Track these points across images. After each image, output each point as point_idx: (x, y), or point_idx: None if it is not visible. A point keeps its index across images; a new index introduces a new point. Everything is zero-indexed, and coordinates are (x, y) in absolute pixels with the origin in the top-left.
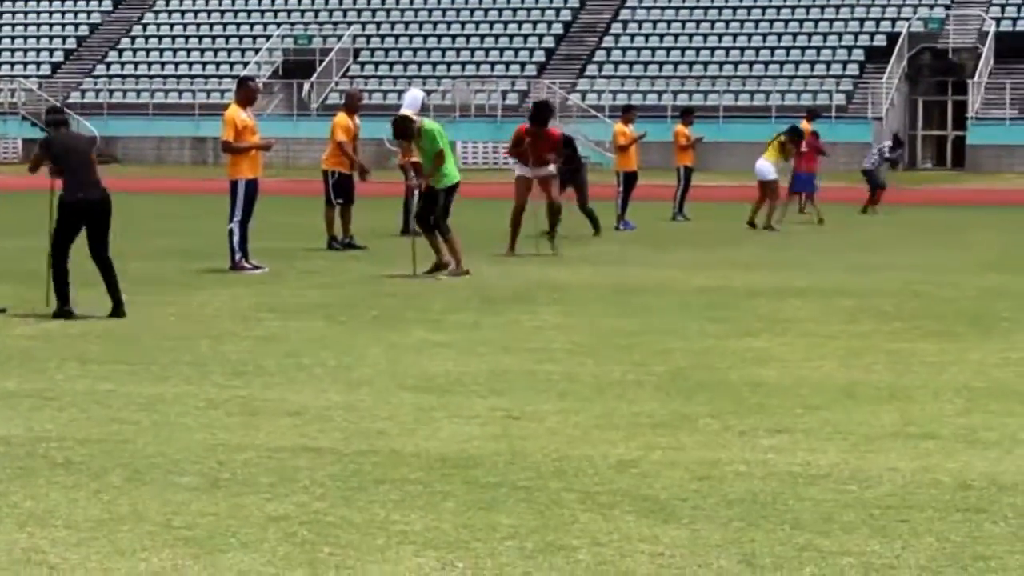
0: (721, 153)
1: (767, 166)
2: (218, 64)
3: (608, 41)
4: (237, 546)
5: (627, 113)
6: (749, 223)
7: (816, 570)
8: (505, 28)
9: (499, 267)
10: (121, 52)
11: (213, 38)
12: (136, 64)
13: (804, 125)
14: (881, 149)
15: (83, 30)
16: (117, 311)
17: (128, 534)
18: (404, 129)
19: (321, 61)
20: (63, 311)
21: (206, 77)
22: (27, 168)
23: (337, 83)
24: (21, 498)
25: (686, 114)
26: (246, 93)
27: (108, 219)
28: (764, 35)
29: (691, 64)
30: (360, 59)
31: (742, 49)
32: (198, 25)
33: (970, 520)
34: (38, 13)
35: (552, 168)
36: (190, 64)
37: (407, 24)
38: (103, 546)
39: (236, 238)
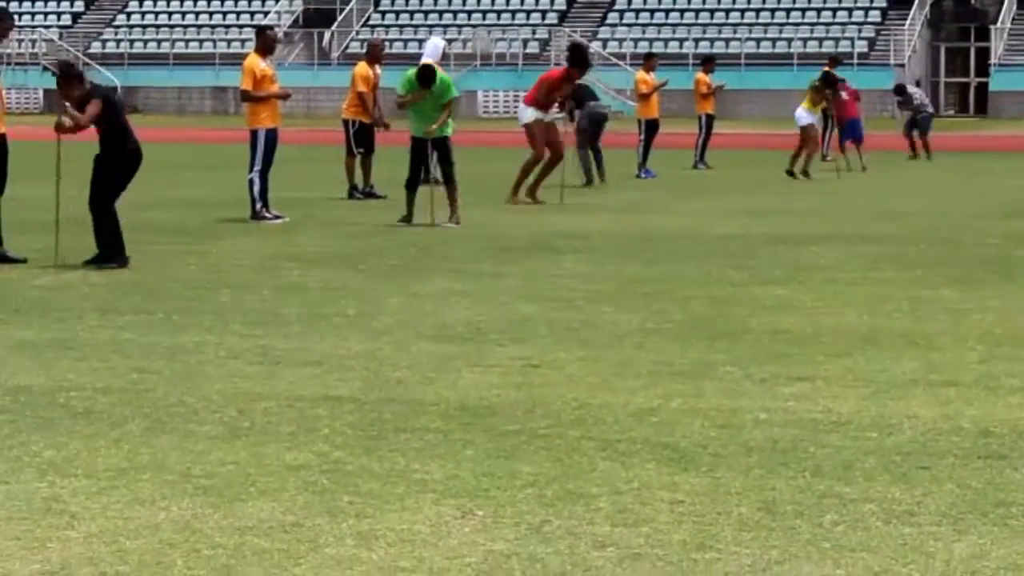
0: (742, 101)
1: (801, 112)
2: (238, 13)
3: None
4: (257, 495)
5: (648, 61)
6: (788, 171)
7: (836, 517)
8: None
9: (519, 215)
10: (141, 2)
11: None
12: (156, 14)
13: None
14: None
15: None
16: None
17: (148, 483)
18: (430, 77)
19: (342, 10)
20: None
21: (226, 27)
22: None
23: (358, 32)
24: (42, 447)
25: (707, 62)
26: (265, 41)
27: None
28: None
29: (712, 11)
30: (380, 8)
31: None
32: None
33: (991, 467)
34: None
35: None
36: (210, 13)
37: None
38: (123, 495)
39: (257, 187)
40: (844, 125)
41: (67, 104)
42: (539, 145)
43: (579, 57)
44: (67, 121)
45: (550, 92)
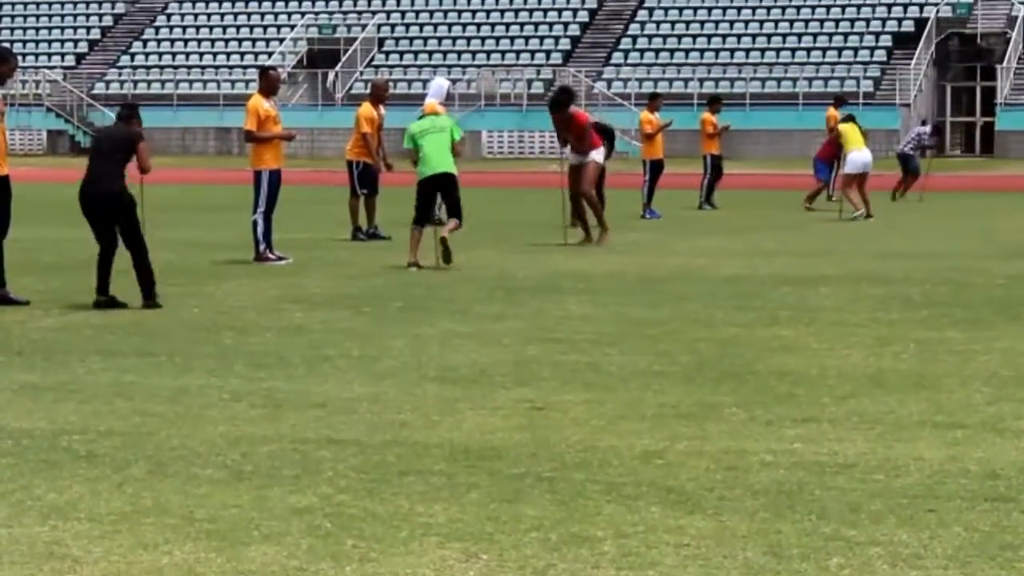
0: (747, 141)
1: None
2: (242, 54)
3: (634, 28)
4: (260, 539)
5: (653, 101)
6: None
7: (843, 560)
8: (531, 16)
9: (523, 256)
10: (145, 43)
11: (237, 28)
12: (160, 55)
13: (831, 112)
14: (921, 135)
15: (107, 20)
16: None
17: (151, 527)
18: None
19: (346, 51)
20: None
21: (230, 67)
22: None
23: (362, 73)
24: (44, 491)
25: (713, 102)
26: (268, 82)
27: None
28: (791, 21)
29: (717, 51)
30: (385, 48)
31: (768, 36)
32: (222, 15)
33: (998, 509)
34: (62, 4)
35: (591, 156)
36: (214, 54)
37: (432, 13)
38: (126, 539)
39: (260, 229)
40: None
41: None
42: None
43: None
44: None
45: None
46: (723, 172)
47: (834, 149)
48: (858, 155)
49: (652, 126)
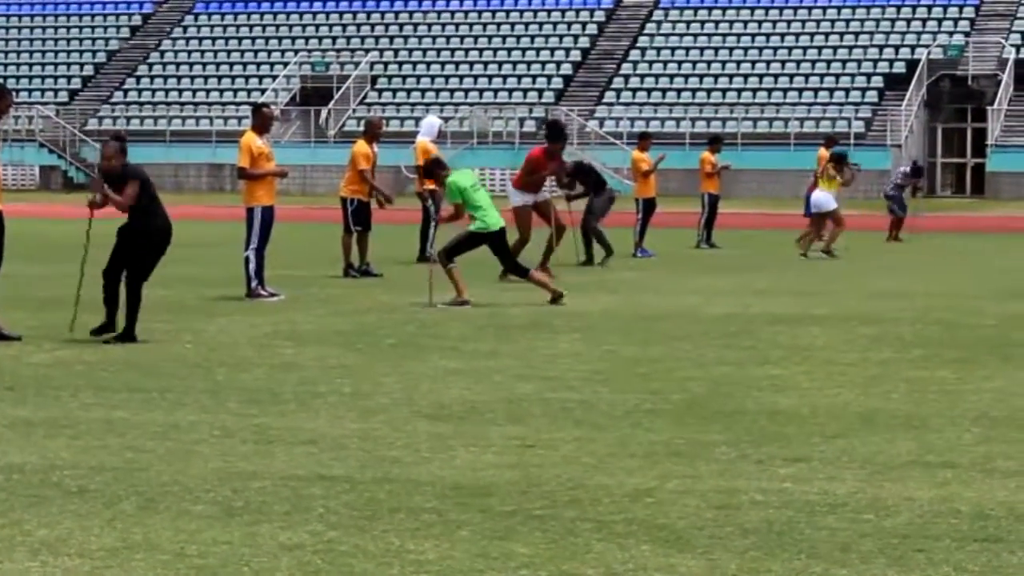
0: (739, 180)
1: (823, 196)
2: (235, 91)
3: (626, 68)
4: (250, 575)
5: (643, 141)
6: (802, 254)
7: None
8: (523, 55)
9: (516, 294)
10: (139, 79)
11: (230, 65)
12: (153, 91)
13: (822, 152)
14: (905, 172)
15: (101, 57)
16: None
17: (141, 563)
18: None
19: (339, 88)
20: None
21: (223, 104)
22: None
23: (355, 110)
24: (35, 526)
25: (714, 142)
26: (261, 119)
27: None
28: (782, 62)
29: (709, 91)
30: (378, 86)
31: (760, 76)
32: (215, 52)
33: (988, 550)
34: (56, 40)
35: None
36: (207, 91)
37: (424, 51)
38: (116, 575)
39: (253, 265)
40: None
41: (104, 184)
42: (524, 229)
43: (553, 131)
44: (99, 199)
45: (533, 171)
46: (717, 212)
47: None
48: (819, 195)
49: (648, 164)
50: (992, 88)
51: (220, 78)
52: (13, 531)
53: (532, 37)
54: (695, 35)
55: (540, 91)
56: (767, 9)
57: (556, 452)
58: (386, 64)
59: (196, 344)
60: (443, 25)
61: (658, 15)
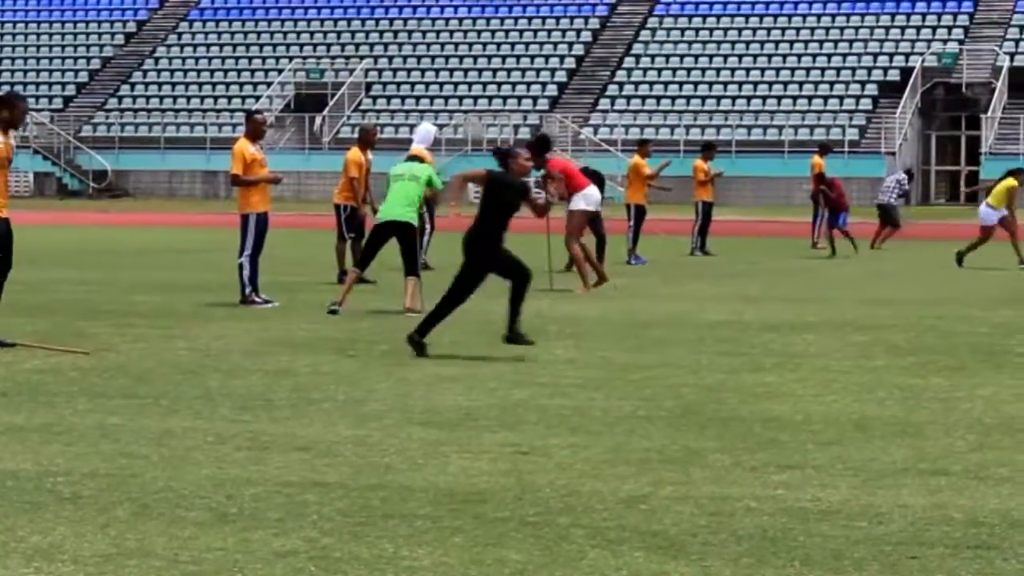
0: (733, 187)
1: (987, 211)
2: (229, 98)
3: (621, 75)
4: None
5: (643, 147)
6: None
7: None
8: (518, 62)
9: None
10: (133, 86)
11: (225, 72)
12: (148, 98)
13: (816, 160)
14: (900, 181)
15: (95, 64)
16: None
17: (135, 569)
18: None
19: (333, 95)
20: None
21: (217, 111)
22: None
23: (349, 117)
24: (28, 532)
25: (707, 149)
26: (253, 126)
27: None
28: (777, 69)
29: (703, 98)
30: (372, 93)
31: (755, 84)
32: (210, 59)
33: (981, 557)
34: (50, 47)
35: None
36: (201, 98)
37: (419, 58)
38: None
39: (246, 272)
40: (838, 213)
41: None
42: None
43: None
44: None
45: (572, 175)
46: (711, 219)
47: (826, 197)
48: (984, 209)
49: (650, 169)
50: (986, 96)
51: (215, 85)
52: (7, 537)
53: (527, 44)
54: (689, 43)
55: (534, 98)
56: (761, 17)
57: (550, 459)
58: (380, 71)
59: (190, 351)
60: (438, 32)
61: (652, 23)
